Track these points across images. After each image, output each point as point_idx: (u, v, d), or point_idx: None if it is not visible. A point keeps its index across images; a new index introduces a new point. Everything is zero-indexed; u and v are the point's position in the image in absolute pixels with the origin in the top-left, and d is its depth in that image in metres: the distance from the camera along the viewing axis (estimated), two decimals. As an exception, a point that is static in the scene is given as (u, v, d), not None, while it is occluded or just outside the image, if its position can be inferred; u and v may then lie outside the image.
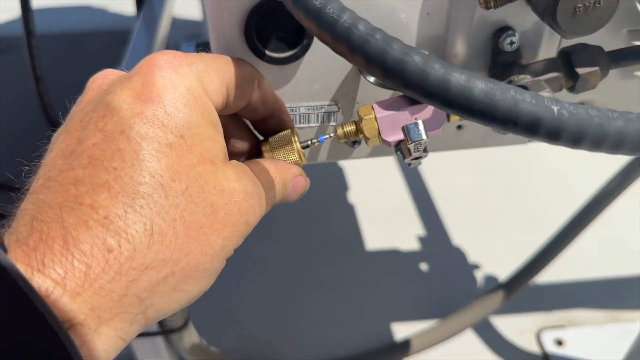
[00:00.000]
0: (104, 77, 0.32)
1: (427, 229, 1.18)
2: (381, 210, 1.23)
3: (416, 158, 0.40)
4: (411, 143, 0.38)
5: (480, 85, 0.25)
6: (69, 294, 0.25)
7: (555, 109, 0.25)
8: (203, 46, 0.44)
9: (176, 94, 0.30)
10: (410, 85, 0.26)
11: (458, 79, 0.25)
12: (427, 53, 0.27)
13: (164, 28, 1.16)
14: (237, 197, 0.31)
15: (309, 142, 0.41)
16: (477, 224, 1.19)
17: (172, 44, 1.32)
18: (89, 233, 0.26)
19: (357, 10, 0.39)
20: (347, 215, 1.22)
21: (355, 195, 1.26)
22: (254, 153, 0.41)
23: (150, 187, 0.27)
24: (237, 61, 0.35)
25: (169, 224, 0.28)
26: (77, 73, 1.86)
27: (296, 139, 0.40)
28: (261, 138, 0.41)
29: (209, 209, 0.30)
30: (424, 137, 0.37)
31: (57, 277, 0.25)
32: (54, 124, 0.92)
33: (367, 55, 0.26)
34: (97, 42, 2.00)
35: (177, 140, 0.29)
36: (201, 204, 0.29)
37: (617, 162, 0.74)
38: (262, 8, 0.38)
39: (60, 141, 0.29)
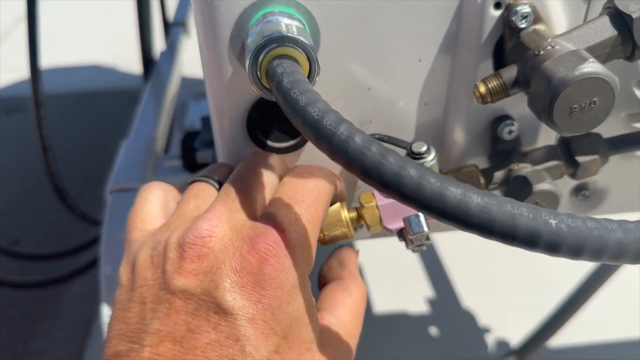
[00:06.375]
0: (203, 244, 0.31)
1: (436, 290, 1.17)
2: (389, 272, 1.21)
3: (419, 246, 0.40)
4: (413, 235, 0.38)
5: (477, 200, 0.25)
6: None
7: (553, 222, 0.24)
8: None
9: (283, 294, 0.31)
10: (407, 198, 0.26)
11: (454, 192, 0.25)
12: (423, 165, 0.27)
13: (172, 90, 1.18)
14: None
15: None
16: (486, 285, 1.18)
17: (179, 103, 1.33)
18: None
19: (356, 101, 0.40)
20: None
21: (362, 256, 1.25)
22: None
23: None
24: (325, 198, 0.36)
25: None
26: (85, 132, 1.87)
27: (346, 212, 0.40)
28: None
29: None
30: (425, 229, 0.37)
31: None
32: (60, 192, 0.93)
33: (363, 168, 0.26)
34: (105, 101, 2.03)
35: (282, 343, 0.30)
36: None
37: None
38: (263, 102, 0.39)
39: (163, 312, 0.30)
